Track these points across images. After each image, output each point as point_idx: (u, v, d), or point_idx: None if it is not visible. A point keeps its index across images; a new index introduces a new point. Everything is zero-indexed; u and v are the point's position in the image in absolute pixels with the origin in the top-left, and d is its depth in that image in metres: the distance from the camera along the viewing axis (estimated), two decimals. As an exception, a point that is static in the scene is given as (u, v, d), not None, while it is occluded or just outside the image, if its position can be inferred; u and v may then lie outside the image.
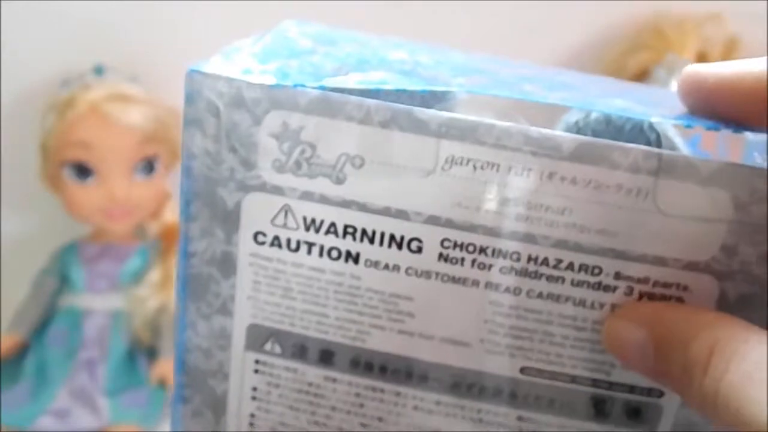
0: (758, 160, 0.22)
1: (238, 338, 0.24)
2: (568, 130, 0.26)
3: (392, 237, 0.22)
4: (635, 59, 0.75)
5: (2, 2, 0.71)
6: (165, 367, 0.71)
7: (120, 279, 0.74)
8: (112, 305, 0.73)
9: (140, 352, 0.73)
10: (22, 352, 0.73)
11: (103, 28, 0.73)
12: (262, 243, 0.23)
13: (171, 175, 0.77)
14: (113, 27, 0.73)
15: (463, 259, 0.22)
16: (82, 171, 0.71)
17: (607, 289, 0.22)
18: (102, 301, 0.73)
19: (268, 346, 0.24)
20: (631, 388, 0.23)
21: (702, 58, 0.74)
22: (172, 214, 0.76)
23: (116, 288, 0.74)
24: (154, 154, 0.73)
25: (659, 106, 0.23)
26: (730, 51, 0.75)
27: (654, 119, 0.22)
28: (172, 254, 0.75)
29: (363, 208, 0.22)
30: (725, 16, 0.75)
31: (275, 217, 0.22)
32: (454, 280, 0.22)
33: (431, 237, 0.22)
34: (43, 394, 0.70)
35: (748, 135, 0.22)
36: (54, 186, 0.74)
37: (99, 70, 0.72)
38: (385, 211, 0.22)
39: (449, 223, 0.21)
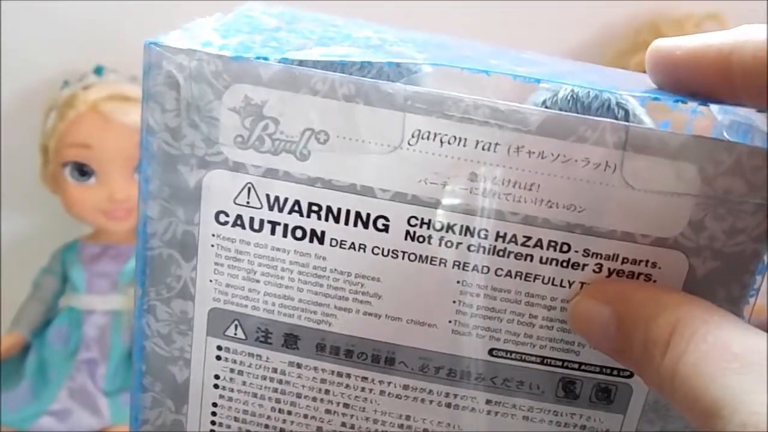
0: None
1: (200, 323, 0.23)
2: None
3: (358, 215, 0.21)
4: (635, 59, 0.74)
5: (2, 2, 0.71)
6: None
7: (120, 279, 0.74)
8: (112, 305, 0.73)
9: (140, 352, 0.73)
10: (23, 352, 0.73)
11: (103, 28, 0.73)
12: (225, 223, 0.22)
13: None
14: (113, 27, 0.73)
15: (430, 237, 0.21)
16: (83, 171, 0.71)
17: (576, 266, 0.21)
18: (102, 302, 0.73)
19: (230, 331, 0.23)
20: (601, 369, 0.22)
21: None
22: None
23: (116, 288, 0.74)
24: (153, 154, 0.73)
25: (629, 85, 0.23)
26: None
27: (621, 93, 0.21)
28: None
29: (328, 185, 0.21)
30: (725, 16, 0.75)
31: (238, 195, 0.22)
32: (422, 259, 0.22)
33: (398, 214, 0.21)
34: (44, 395, 0.70)
35: (718, 116, 0.22)
36: (54, 186, 0.74)
37: (99, 70, 0.72)
38: (351, 188, 0.21)
39: (416, 200, 0.21)
